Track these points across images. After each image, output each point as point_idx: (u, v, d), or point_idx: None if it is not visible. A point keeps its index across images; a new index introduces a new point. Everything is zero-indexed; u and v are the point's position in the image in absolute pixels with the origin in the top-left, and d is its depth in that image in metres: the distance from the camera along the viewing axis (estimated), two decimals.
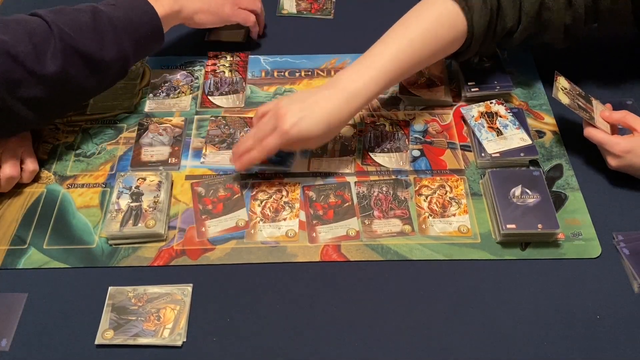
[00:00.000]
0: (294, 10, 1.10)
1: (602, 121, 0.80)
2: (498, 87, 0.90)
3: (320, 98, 0.75)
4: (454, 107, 0.92)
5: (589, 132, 0.79)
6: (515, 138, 0.83)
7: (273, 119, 0.74)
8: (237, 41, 1.04)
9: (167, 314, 0.68)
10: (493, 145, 0.82)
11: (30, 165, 0.81)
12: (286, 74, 0.98)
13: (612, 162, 0.78)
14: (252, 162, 0.77)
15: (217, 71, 0.98)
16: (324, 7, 1.11)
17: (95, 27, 0.77)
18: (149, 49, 0.86)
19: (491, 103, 0.88)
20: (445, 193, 0.80)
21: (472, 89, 0.90)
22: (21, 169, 0.80)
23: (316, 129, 0.74)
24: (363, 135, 0.87)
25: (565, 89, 0.82)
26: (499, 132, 0.84)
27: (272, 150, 0.75)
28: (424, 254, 0.74)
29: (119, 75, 0.83)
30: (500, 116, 0.86)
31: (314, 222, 0.77)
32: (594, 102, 0.82)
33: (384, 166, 0.83)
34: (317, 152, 0.85)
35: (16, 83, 0.71)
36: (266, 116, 0.76)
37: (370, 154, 0.85)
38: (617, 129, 0.80)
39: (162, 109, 0.92)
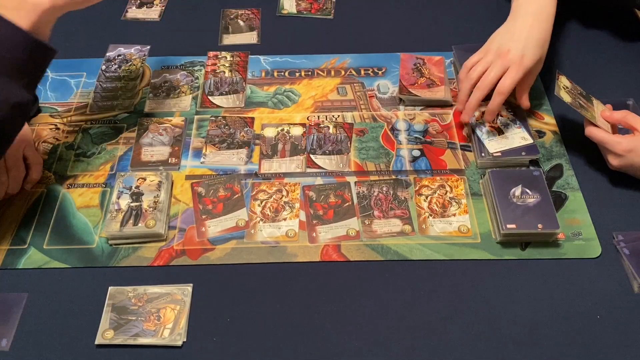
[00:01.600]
0: (294, 10, 1.10)
1: (602, 121, 0.80)
2: None
3: (519, 28, 0.81)
4: (454, 107, 0.92)
5: (590, 131, 0.79)
6: (517, 137, 0.83)
7: (498, 60, 0.80)
8: (252, 43, 1.04)
9: (167, 314, 0.68)
10: (494, 145, 0.82)
11: (35, 159, 0.81)
12: (286, 74, 0.98)
13: (613, 161, 0.78)
14: (498, 108, 0.82)
15: (217, 71, 0.98)
16: (324, 7, 1.11)
17: None
18: (40, 66, 0.70)
19: None
20: (445, 193, 0.80)
21: None
22: (26, 166, 0.80)
23: (539, 51, 0.81)
24: (306, 137, 0.88)
25: (567, 87, 0.82)
26: (500, 132, 0.84)
27: (511, 88, 0.80)
28: (424, 254, 0.74)
29: (21, 113, 0.69)
30: (501, 115, 0.86)
31: (314, 222, 0.77)
32: (595, 101, 0.82)
33: (323, 168, 0.83)
34: (268, 154, 0.85)
35: None
36: (481, 64, 0.82)
37: (312, 156, 0.85)
38: (617, 129, 0.80)
39: (162, 109, 0.92)
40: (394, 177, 0.82)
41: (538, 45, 0.81)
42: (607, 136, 0.78)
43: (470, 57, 0.85)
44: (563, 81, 0.82)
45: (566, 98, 0.80)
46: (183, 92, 0.95)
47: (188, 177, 0.83)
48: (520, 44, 0.80)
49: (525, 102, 0.85)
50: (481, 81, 0.82)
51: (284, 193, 0.81)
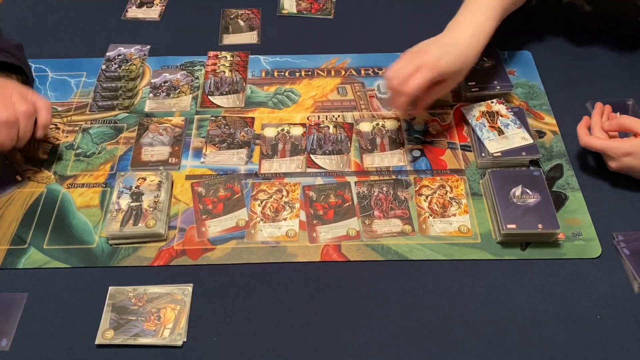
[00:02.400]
0: (294, 10, 1.10)
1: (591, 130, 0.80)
2: (498, 87, 0.90)
3: (448, 38, 0.80)
4: (454, 107, 0.92)
5: (586, 142, 0.78)
6: (517, 137, 0.83)
7: (414, 58, 0.78)
8: (252, 43, 1.03)
9: (167, 314, 0.68)
10: (495, 145, 0.82)
11: (42, 103, 0.79)
12: (286, 73, 0.98)
13: (613, 164, 0.78)
14: (401, 107, 0.80)
15: (217, 71, 0.98)
16: (324, 7, 1.11)
17: None
18: None
19: (492, 102, 0.88)
20: (446, 193, 0.80)
21: (472, 89, 0.90)
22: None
23: (460, 63, 0.79)
24: (306, 137, 0.88)
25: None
26: (500, 132, 0.84)
27: (416, 88, 0.77)
28: (424, 254, 0.74)
29: None
30: (502, 115, 0.86)
31: (314, 222, 0.77)
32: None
33: (323, 168, 0.83)
34: (268, 154, 0.85)
35: None
36: (398, 62, 0.79)
37: (312, 156, 0.85)
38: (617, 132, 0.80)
39: (162, 109, 0.92)
40: (394, 177, 0.82)
41: (460, 56, 0.79)
42: (604, 143, 0.77)
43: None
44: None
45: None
46: (183, 92, 0.95)
47: (188, 177, 0.83)
48: (442, 49, 0.78)
49: (420, 111, 0.84)
50: (393, 76, 0.78)
51: (284, 193, 0.81)
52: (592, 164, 0.83)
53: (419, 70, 0.76)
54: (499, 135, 0.83)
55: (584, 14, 0.98)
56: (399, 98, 0.79)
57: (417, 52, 0.79)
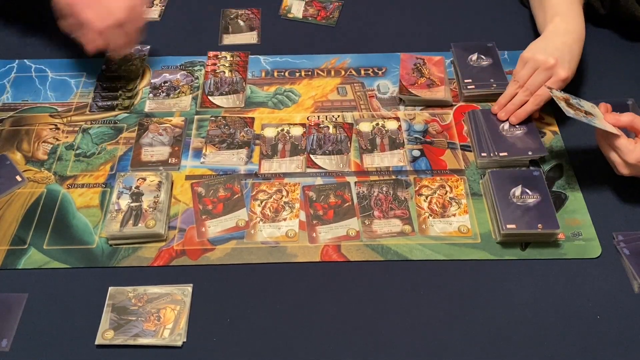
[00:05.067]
0: (300, 16, 1.09)
1: (605, 123, 0.77)
2: (494, 85, 0.90)
3: (560, 43, 0.84)
4: (454, 107, 0.92)
5: (602, 139, 0.76)
6: (598, 116, 0.78)
7: (543, 69, 0.82)
8: (252, 43, 1.03)
9: (167, 314, 0.68)
10: (602, 123, 0.76)
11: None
12: (286, 74, 0.98)
13: (624, 170, 0.74)
14: (531, 111, 0.85)
15: (217, 71, 0.98)
16: (331, 16, 1.09)
17: None
18: None
19: (554, 93, 0.79)
20: (445, 193, 0.80)
21: (469, 86, 0.90)
22: None
23: (574, 67, 0.84)
24: (306, 137, 0.88)
25: (567, 100, 0.78)
26: (587, 113, 0.77)
27: (549, 96, 0.82)
28: (424, 254, 0.74)
29: None
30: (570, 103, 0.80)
31: (314, 222, 0.77)
32: (585, 102, 0.79)
33: (323, 168, 0.83)
34: (268, 154, 0.85)
35: None
36: (527, 70, 0.84)
37: (312, 156, 0.85)
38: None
39: (162, 109, 0.92)
40: (394, 177, 0.82)
41: (575, 61, 0.83)
42: (621, 142, 0.73)
43: (516, 69, 0.86)
44: (556, 94, 0.77)
45: (578, 114, 0.75)
46: (183, 92, 0.95)
47: (188, 177, 0.83)
48: (563, 55, 0.82)
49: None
50: (528, 84, 0.83)
51: (284, 193, 0.81)
52: (592, 164, 0.83)
53: (550, 81, 0.82)
54: (591, 116, 0.77)
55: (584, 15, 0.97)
56: (527, 107, 0.84)
57: (544, 63, 0.82)
